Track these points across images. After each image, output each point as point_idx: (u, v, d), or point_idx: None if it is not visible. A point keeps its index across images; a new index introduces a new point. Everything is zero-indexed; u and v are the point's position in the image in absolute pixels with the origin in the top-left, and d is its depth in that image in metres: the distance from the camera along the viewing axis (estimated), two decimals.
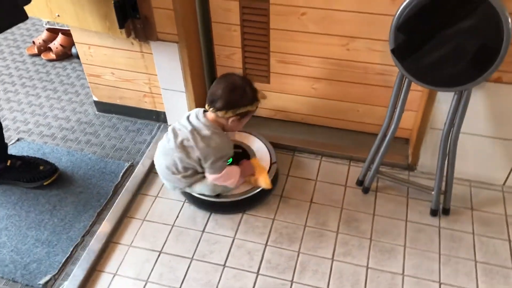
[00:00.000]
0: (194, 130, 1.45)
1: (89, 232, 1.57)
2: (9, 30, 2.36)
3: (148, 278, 1.43)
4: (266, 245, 1.51)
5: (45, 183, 1.71)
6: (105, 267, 1.46)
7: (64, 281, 1.42)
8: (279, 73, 1.76)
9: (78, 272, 1.43)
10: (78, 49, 1.88)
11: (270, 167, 1.64)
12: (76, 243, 1.53)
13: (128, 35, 1.61)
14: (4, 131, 1.93)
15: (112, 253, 1.50)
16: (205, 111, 1.49)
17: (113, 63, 1.85)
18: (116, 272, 1.45)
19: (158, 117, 1.99)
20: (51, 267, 1.46)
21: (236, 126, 1.47)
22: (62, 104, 2.15)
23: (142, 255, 1.49)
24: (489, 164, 1.61)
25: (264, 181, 1.55)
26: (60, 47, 2.44)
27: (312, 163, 1.79)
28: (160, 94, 1.86)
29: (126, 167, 1.79)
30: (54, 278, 1.44)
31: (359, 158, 1.76)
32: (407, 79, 1.37)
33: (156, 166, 1.57)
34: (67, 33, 2.42)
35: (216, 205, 1.59)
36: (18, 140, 1.94)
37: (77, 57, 2.28)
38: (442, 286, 1.38)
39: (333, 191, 1.67)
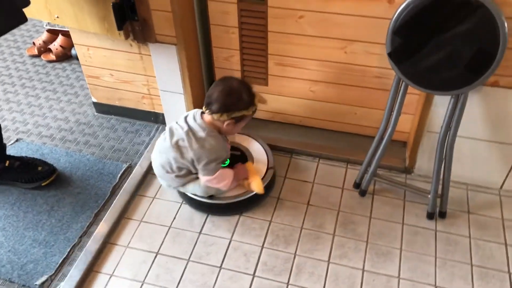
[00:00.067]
0: (190, 131, 1.46)
1: (86, 232, 1.57)
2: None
3: (145, 279, 1.43)
4: (262, 247, 1.51)
5: (43, 184, 1.71)
6: (102, 268, 1.47)
7: (61, 282, 1.42)
8: (277, 75, 1.76)
9: (74, 272, 1.43)
10: (77, 50, 1.89)
11: (266, 172, 1.64)
12: (73, 244, 1.53)
13: (127, 37, 1.62)
14: (3, 131, 1.93)
15: (109, 254, 1.50)
16: (202, 113, 1.50)
17: (112, 65, 1.86)
18: (113, 273, 1.45)
19: (157, 119, 2.00)
20: (48, 268, 1.46)
21: (231, 129, 1.48)
22: (61, 105, 2.16)
23: (139, 256, 1.49)
24: (486, 167, 1.62)
25: (257, 186, 1.55)
26: (60, 48, 2.45)
27: (310, 165, 1.79)
28: (159, 96, 1.87)
29: (124, 168, 1.80)
30: (51, 278, 1.44)
31: (356, 161, 1.76)
32: (403, 83, 1.38)
33: (153, 164, 1.59)
34: (67, 34, 2.43)
35: (213, 206, 1.59)
36: (17, 140, 1.95)
37: (77, 58, 2.29)
38: None
39: (330, 193, 1.68)
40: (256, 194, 1.57)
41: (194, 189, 1.54)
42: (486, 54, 1.20)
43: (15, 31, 2.71)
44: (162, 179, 1.58)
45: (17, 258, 1.49)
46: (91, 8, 1.55)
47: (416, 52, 1.26)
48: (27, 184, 1.70)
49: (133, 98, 1.96)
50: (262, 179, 1.60)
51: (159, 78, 1.79)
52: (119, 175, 1.77)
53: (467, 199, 1.64)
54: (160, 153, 1.53)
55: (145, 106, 1.97)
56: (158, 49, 1.68)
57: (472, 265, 1.44)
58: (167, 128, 1.53)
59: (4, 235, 1.57)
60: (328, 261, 1.46)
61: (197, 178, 1.52)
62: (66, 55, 2.48)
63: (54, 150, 1.89)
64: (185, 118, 1.51)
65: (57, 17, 1.64)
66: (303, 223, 1.57)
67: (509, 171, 1.60)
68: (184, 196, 1.63)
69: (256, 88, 1.68)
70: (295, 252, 1.49)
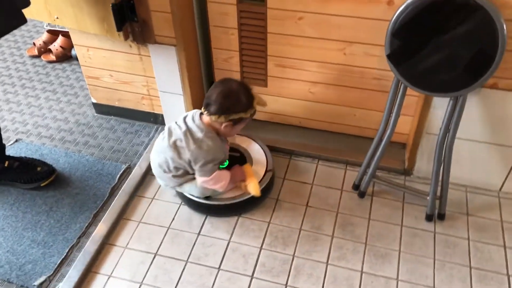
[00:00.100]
0: (188, 132, 1.46)
1: (85, 233, 1.57)
2: None
3: (143, 280, 1.43)
4: (261, 248, 1.51)
5: (42, 184, 1.71)
6: (100, 268, 1.47)
7: (59, 282, 1.42)
8: (277, 76, 1.77)
9: (73, 273, 1.43)
10: (77, 51, 1.89)
11: (264, 175, 1.63)
12: (71, 245, 1.53)
13: (126, 37, 1.62)
14: (2, 132, 1.94)
15: (107, 254, 1.50)
16: (201, 114, 1.50)
17: (112, 65, 1.86)
18: (111, 273, 1.45)
19: (156, 119, 2.00)
20: (46, 268, 1.46)
21: (229, 131, 1.48)
22: (61, 106, 2.16)
23: (137, 257, 1.49)
24: (485, 169, 1.61)
25: (253, 188, 1.54)
26: (60, 49, 2.45)
27: (309, 166, 1.79)
28: (158, 97, 1.87)
29: (123, 169, 1.80)
30: (49, 279, 1.44)
31: (355, 162, 1.76)
32: (402, 84, 1.38)
33: (151, 163, 1.59)
34: (67, 35, 2.43)
35: (212, 208, 1.59)
36: (16, 141, 1.95)
37: (77, 59, 2.29)
38: None
39: (329, 195, 1.68)
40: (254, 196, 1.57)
41: (190, 190, 1.54)
42: (485, 56, 1.20)
43: (15, 31, 2.71)
44: (160, 179, 1.59)
45: (15, 258, 1.50)
46: (90, 9, 1.55)
47: (415, 54, 1.26)
48: (26, 184, 1.71)
49: (133, 99, 1.96)
50: (260, 181, 1.59)
51: (159, 79, 1.80)
52: (118, 176, 1.77)
53: (466, 201, 1.64)
54: (158, 152, 1.53)
55: (145, 107, 1.97)
56: (157, 50, 1.68)
57: (470, 267, 1.44)
58: (166, 128, 1.53)
59: (3, 235, 1.57)
60: (327, 263, 1.46)
61: (194, 178, 1.52)
62: (66, 56, 2.48)
63: (53, 150, 1.89)
64: (184, 118, 1.51)
65: (57, 18, 1.64)
66: (301, 224, 1.57)
67: (508, 173, 1.60)
68: (183, 197, 1.63)
69: (256, 89, 1.69)
70: (294, 253, 1.49)
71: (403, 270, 1.43)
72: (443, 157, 1.45)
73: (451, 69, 1.25)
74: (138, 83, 1.88)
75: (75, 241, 1.55)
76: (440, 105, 1.49)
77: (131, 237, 1.55)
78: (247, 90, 1.44)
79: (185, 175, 1.52)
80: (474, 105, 1.44)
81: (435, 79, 1.29)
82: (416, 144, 1.64)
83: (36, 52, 2.50)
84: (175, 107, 1.85)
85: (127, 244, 1.53)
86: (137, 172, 1.76)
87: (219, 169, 1.53)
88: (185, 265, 1.47)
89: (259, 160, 1.68)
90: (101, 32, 1.61)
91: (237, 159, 1.68)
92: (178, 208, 1.65)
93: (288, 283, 1.41)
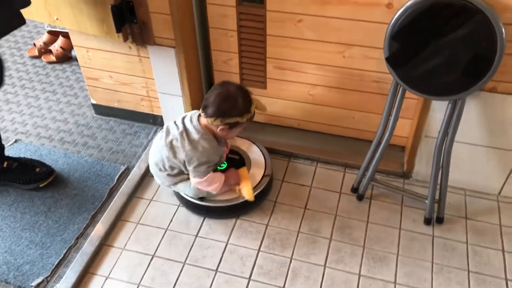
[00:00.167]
0: (184, 132, 1.46)
1: (83, 234, 1.57)
2: None
3: (140, 281, 1.43)
4: (258, 250, 1.51)
5: (41, 185, 1.71)
6: (97, 269, 1.47)
7: (57, 283, 1.42)
8: (276, 79, 1.76)
9: (70, 274, 1.43)
10: (76, 52, 1.89)
11: (261, 179, 1.62)
12: (69, 245, 1.53)
13: (125, 39, 1.62)
14: (2, 132, 1.95)
15: (105, 256, 1.50)
16: (200, 115, 1.50)
17: (111, 67, 1.86)
18: (109, 275, 1.45)
19: (155, 121, 2.00)
20: (44, 269, 1.46)
21: (226, 134, 1.47)
22: (60, 106, 2.16)
23: (135, 258, 1.49)
24: (484, 173, 1.61)
25: (247, 193, 1.54)
26: (60, 50, 2.45)
27: (308, 169, 1.79)
28: (157, 98, 1.87)
29: (122, 170, 1.80)
30: (47, 280, 1.44)
31: (354, 165, 1.76)
32: (401, 87, 1.37)
33: (149, 161, 1.60)
34: (67, 36, 2.43)
35: (210, 209, 1.59)
36: (15, 141, 1.95)
37: (77, 59, 2.29)
38: None
39: (327, 197, 1.67)
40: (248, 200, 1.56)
41: (185, 189, 1.55)
42: (484, 59, 1.20)
43: (16, 32, 2.72)
44: (156, 177, 1.60)
45: (13, 259, 1.50)
46: (90, 10, 1.55)
47: (413, 57, 1.26)
48: (25, 185, 1.71)
49: (132, 100, 1.96)
50: (256, 186, 1.59)
51: (158, 81, 1.80)
52: (116, 177, 1.77)
53: (465, 205, 1.64)
54: (155, 151, 1.55)
55: (144, 108, 1.97)
56: (157, 51, 1.68)
57: (469, 271, 1.44)
58: (164, 127, 1.53)
59: (1, 236, 1.57)
60: (324, 266, 1.46)
61: (189, 178, 1.53)
62: (67, 57, 2.48)
63: (52, 151, 1.90)
64: (183, 118, 1.51)
65: (57, 19, 1.64)
66: (299, 227, 1.57)
67: (507, 177, 1.59)
68: (181, 198, 1.63)
69: (255, 91, 1.69)
70: (291, 256, 1.49)
71: (401, 273, 1.43)
72: (442, 160, 1.45)
73: (450, 72, 1.25)
74: (138, 85, 1.88)
75: (73, 242, 1.54)
76: (439, 108, 1.48)
77: (129, 238, 1.55)
78: (245, 94, 1.43)
79: (180, 174, 1.53)
80: (473, 108, 1.44)
81: (434, 82, 1.29)
82: (415, 147, 1.64)
83: (36, 53, 2.50)
84: (174, 109, 1.85)
85: (125, 245, 1.53)
86: (135, 173, 1.76)
87: (216, 171, 1.52)
88: (183, 267, 1.47)
89: (257, 163, 1.68)
90: (101, 34, 1.61)
91: (236, 162, 1.68)
92: (176, 209, 1.64)
93: (286, 286, 1.41)
